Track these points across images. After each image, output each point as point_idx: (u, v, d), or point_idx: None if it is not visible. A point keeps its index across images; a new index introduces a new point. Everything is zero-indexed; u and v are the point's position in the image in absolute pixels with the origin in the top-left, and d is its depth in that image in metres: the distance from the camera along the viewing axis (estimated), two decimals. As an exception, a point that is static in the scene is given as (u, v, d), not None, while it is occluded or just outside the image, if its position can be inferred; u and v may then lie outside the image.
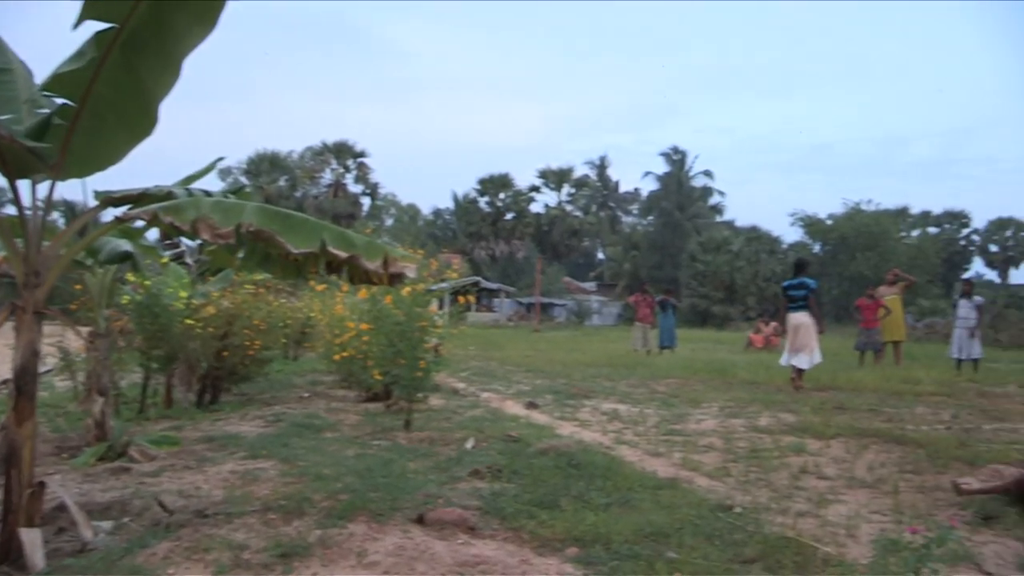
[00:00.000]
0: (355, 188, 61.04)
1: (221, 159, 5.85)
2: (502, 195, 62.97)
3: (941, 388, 12.15)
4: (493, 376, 13.74)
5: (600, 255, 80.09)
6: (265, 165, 58.29)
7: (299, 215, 4.24)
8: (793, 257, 50.41)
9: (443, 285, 10.13)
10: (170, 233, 4.26)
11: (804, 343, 12.02)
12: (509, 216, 62.60)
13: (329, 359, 10.70)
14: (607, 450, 6.86)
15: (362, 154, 60.28)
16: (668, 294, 21.53)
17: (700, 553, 4.01)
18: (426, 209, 71.92)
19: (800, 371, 11.99)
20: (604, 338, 29.74)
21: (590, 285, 70.15)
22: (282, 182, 59.12)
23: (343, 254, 4.12)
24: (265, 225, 3.97)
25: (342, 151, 59.94)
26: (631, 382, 12.98)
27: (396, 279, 4.31)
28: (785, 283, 12.86)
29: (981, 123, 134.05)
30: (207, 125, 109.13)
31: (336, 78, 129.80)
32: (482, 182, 63.13)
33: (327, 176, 60.59)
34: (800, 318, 12.18)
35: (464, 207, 63.87)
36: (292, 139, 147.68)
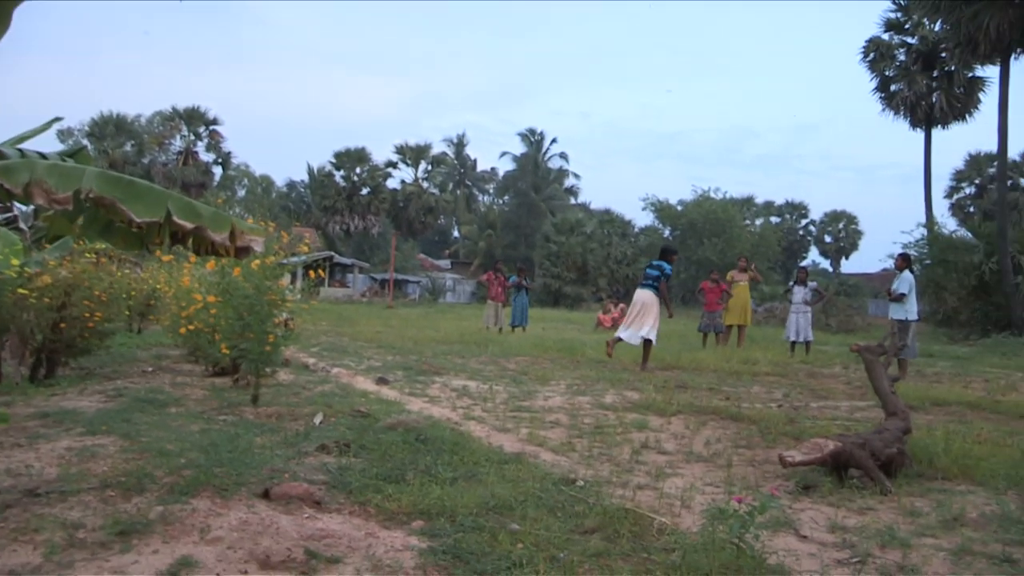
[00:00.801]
0: (207, 156, 58.68)
1: (58, 119, 5.53)
2: (358, 170, 61.94)
3: (776, 368, 12.89)
4: (344, 352, 13.59)
5: (455, 233, 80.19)
6: (110, 128, 55.20)
7: (143, 183, 4.06)
8: (645, 241, 52.23)
9: (296, 259, 9.89)
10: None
11: (639, 320, 12.36)
12: (365, 191, 61.69)
13: (175, 332, 10.31)
14: (455, 426, 6.92)
15: (214, 121, 57.92)
16: (522, 273, 21.75)
17: (542, 524, 4.11)
18: (280, 181, 70.01)
19: (641, 345, 12.41)
20: (457, 316, 29.82)
21: (445, 263, 70.19)
22: (128, 147, 56.18)
23: (189, 225, 3.97)
24: (106, 192, 3.78)
25: (193, 117, 57.37)
26: (482, 359, 13.12)
27: (243, 252, 4.20)
28: (645, 264, 13.29)
29: (821, 121, 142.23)
30: (44, 83, 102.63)
31: (188, 41, 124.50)
32: (338, 156, 61.88)
33: (177, 143, 57.98)
34: (643, 296, 12.49)
35: (319, 180, 62.49)
36: (140, 102, 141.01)
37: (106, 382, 8.91)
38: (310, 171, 64.93)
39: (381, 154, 67.47)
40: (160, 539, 3.71)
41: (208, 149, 58.48)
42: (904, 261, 13.80)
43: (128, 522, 3.86)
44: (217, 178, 59.14)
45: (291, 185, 69.39)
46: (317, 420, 6.87)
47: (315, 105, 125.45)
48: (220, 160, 59.05)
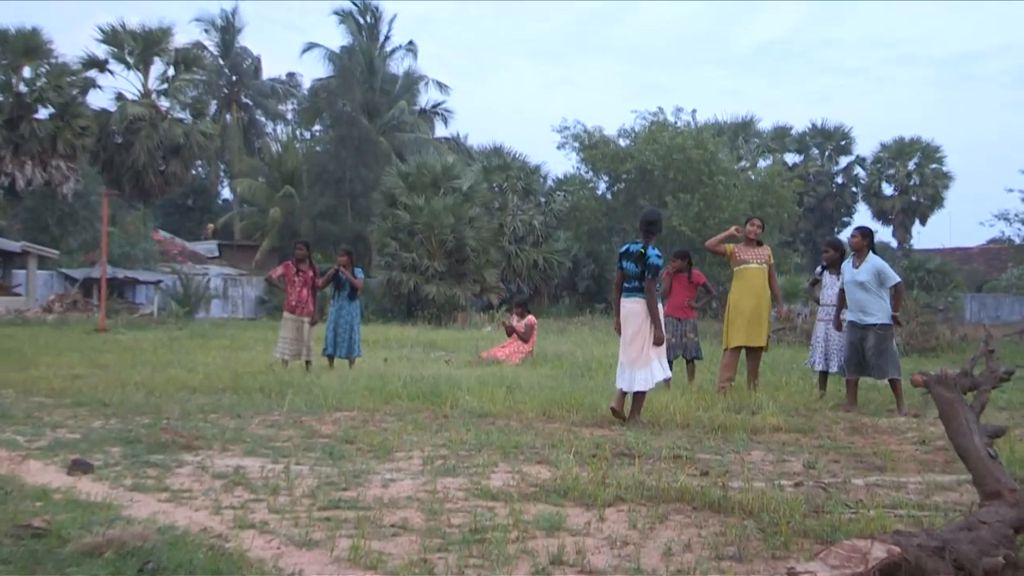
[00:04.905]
0: None
1: None
2: (28, 72, 59.93)
3: (792, 419, 13.14)
4: (6, 416, 13.26)
5: (226, 193, 79.44)
6: None
7: None
8: (566, 202, 52.49)
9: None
10: None
11: (638, 351, 12.80)
12: (45, 114, 59.97)
13: None
14: (218, 541, 6.83)
15: None
16: (347, 263, 21.46)
17: None
18: None
19: (639, 393, 12.92)
20: (230, 341, 29.63)
21: (207, 246, 69.62)
22: None
23: None
24: None
25: None
26: (273, 418, 13.05)
27: None
28: (622, 249, 13.39)
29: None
30: None
31: None
32: (-14, 45, 60.08)
33: None
34: (633, 309, 12.91)
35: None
36: None
37: None
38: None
39: (74, 44, 65.95)
40: None
41: None
42: (865, 237, 14.97)
43: None
44: None
45: None
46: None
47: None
48: None
